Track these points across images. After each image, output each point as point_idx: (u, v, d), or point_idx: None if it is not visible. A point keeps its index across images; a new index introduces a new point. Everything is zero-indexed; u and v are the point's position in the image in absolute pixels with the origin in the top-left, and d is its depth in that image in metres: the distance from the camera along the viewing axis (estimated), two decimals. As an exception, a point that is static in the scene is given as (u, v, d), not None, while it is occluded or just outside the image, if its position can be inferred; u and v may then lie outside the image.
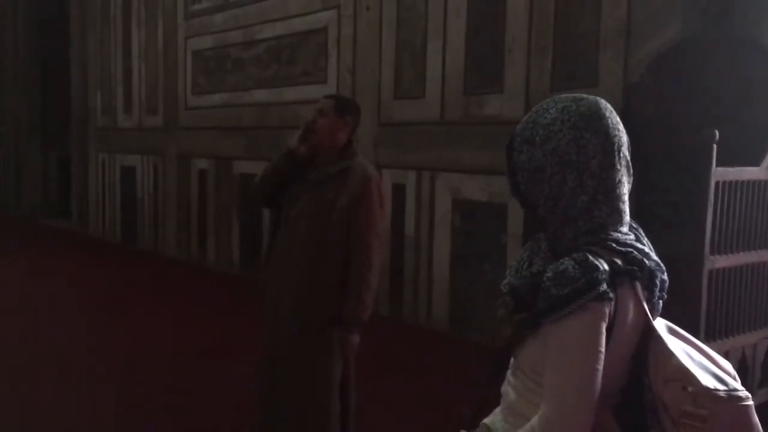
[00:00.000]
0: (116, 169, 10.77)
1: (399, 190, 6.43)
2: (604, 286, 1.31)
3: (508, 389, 1.51)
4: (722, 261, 3.57)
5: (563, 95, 1.45)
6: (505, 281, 1.48)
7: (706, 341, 3.17)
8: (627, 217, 1.44)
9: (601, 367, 1.32)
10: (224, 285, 7.80)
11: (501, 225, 5.54)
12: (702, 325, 3.44)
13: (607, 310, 1.32)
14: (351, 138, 3.00)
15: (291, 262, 2.92)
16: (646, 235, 1.47)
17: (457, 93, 5.91)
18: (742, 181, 3.60)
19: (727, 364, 1.39)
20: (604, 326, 1.32)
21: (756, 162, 3.72)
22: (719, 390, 1.30)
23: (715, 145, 3.37)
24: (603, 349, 1.32)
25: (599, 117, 1.39)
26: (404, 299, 6.40)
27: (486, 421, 1.57)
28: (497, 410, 1.56)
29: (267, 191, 3.02)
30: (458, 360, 5.03)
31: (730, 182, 3.53)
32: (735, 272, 3.67)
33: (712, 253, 3.50)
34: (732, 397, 1.30)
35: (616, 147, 1.39)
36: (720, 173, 3.45)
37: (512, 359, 1.50)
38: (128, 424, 3.98)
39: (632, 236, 1.43)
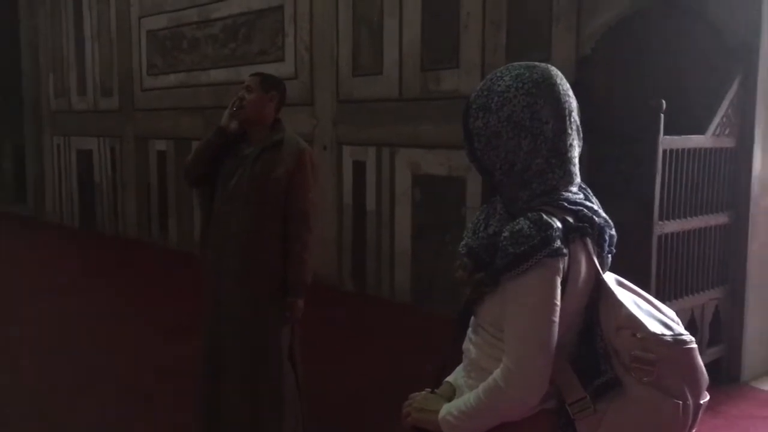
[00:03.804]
0: (72, 152, 10.60)
1: (359, 166, 6.49)
2: (558, 243, 1.38)
3: (469, 347, 1.58)
4: (671, 226, 3.71)
5: (516, 63, 1.51)
6: (463, 243, 1.55)
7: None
8: (578, 179, 1.51)
9: (557, 318, 1.40)
10: (187, 265, 7.79)
11: (460, 198, 5.64)
12: (652, 288, 3.57)
13: (561, 265, 1.40)
14: (278, 113, 3.13)
15: (231, 234, 3.02)
16: (600, 203, 1.54)
17: (415, 69, 5.97)
18: (688, 149, 3.74)
19: (670, 312, 1.49)
20: (558, 280, 1.40)
21: (701, 130, 3.87)
22: (666, 335, 1.40)
23: (662, 115, 3.50)
24: (558, 302, 1.40)
25: (551, 84, 1.45)
26: (367, 273, 6.48)
27: (449, 378, 1.64)
28: (459, 368, 1.62)
29: (200, 169, 3.09)
30: (420, 329, 5.14)
31: (677, 150, 3.66)
32: (683, 236, 3.81)
33: (660, 218, 3.63)
34: (677, 341, 1.40)
35: (567, 112, 1.46)
36: (667, 141, 3.58)
37: (472, 318, 1.56)
38: (94, 405, 4.02)
39: (581, 195, 1.51)
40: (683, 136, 3.70)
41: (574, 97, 1.49)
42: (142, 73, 9.12)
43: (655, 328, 1.41)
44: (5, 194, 12.95)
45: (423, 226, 6.01)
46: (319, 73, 6.77)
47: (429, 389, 1.63)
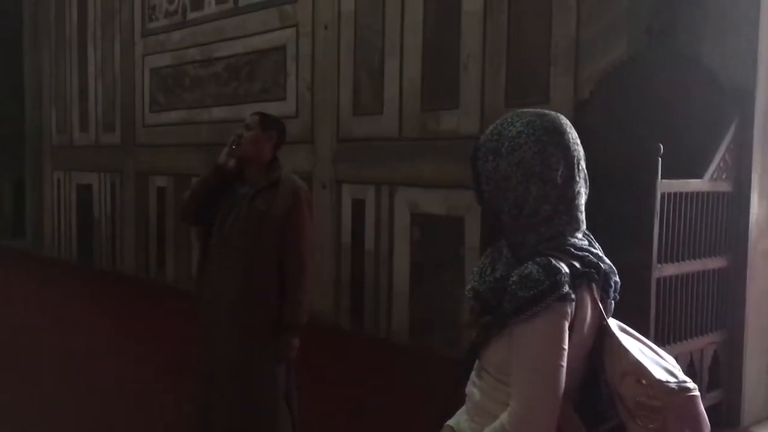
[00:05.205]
0: (72, 187, 10.63)
1: (358, 205, 6.52)
2: (567, 288, 1.40)
3: (473, 390, 1.58)
4: (669, 269, 3.71)
5: (526, 110, 1.54)
6: (469, 287, 1.56)
7: (655, 345, 3.29)
8: (584, 226, 1.53)
9: (565, 363, 1.40)
10: (184, 302, 7.75)
11: (459, 237, 5.66)
12: (651, 332, 3.55)
13: (569, 310, 1.41)
14: (276, 153, 3.14)
15: (227, 273, 3.01)
16: (600, 245, 1.56)
17: (415, 109, 6.02)
18: (687, 193, 3.76)
19: (671, 359, 1.50)
20: (567, 325, 1.41)
21: (699, 174, 3.91)
22: (671, 382, 1.41)
23: (660, 159, 3.52)
24: (566, 346, 1.41)
25: (561, 132, 1.48)
26: (365, 311, 6.47)
27: (450, 422, 1.63)
28: (461, 411, 1.62)
29: (197, 207, 3.09)
30: (418, 370, 5.12)
31: (675, 193, 3.68)
32: (681, 280, 3.81)
33: (659, 261, 3.63)
34: (682, 388, 1.41)
35: (575, 160, 1.49)
36: (665, 185, 3.60)
37: (477, 361, 1.57)
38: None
39: (586, 242, 1.53)
40: (681, 180, 3.73)
41: (581, 146, 1.52)
42: (144, 109, 9.20)
43: (660, 375, 1.42)
44: (4, 228, 12.93)
45: (421, 265, 6.01)
46: (320, 112, 6.84)
47: (430, 434, 1.63)
